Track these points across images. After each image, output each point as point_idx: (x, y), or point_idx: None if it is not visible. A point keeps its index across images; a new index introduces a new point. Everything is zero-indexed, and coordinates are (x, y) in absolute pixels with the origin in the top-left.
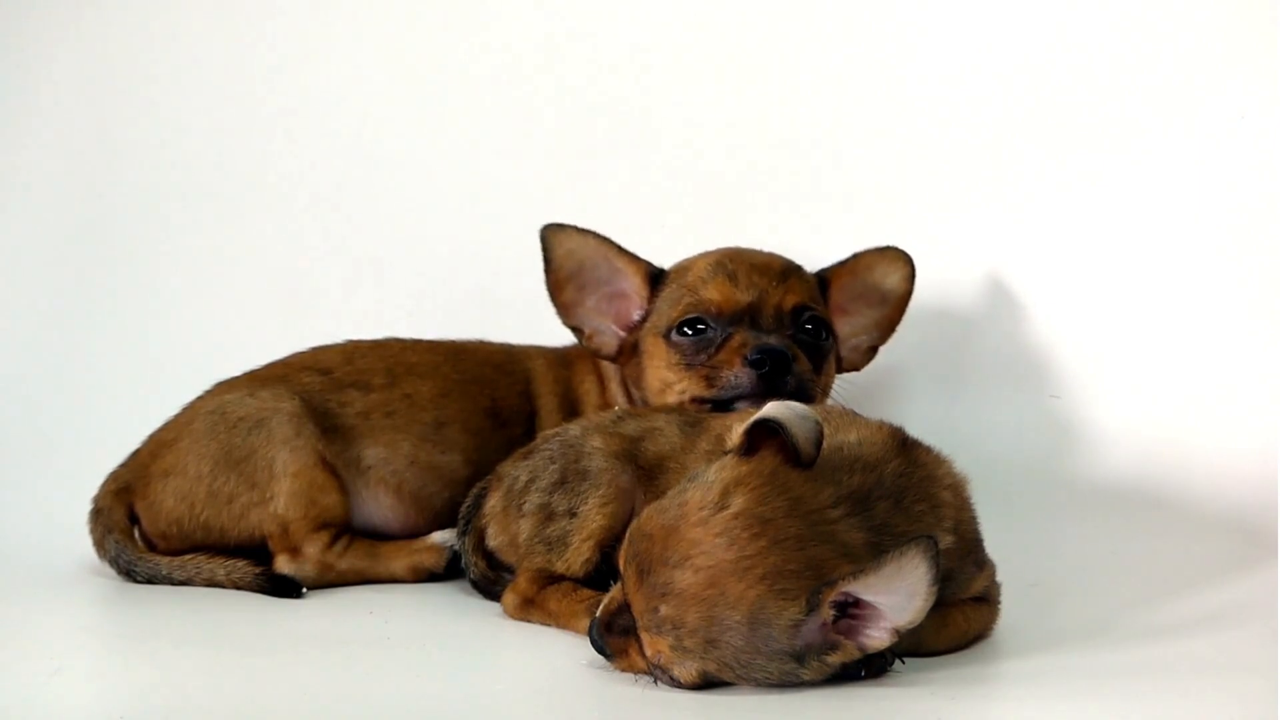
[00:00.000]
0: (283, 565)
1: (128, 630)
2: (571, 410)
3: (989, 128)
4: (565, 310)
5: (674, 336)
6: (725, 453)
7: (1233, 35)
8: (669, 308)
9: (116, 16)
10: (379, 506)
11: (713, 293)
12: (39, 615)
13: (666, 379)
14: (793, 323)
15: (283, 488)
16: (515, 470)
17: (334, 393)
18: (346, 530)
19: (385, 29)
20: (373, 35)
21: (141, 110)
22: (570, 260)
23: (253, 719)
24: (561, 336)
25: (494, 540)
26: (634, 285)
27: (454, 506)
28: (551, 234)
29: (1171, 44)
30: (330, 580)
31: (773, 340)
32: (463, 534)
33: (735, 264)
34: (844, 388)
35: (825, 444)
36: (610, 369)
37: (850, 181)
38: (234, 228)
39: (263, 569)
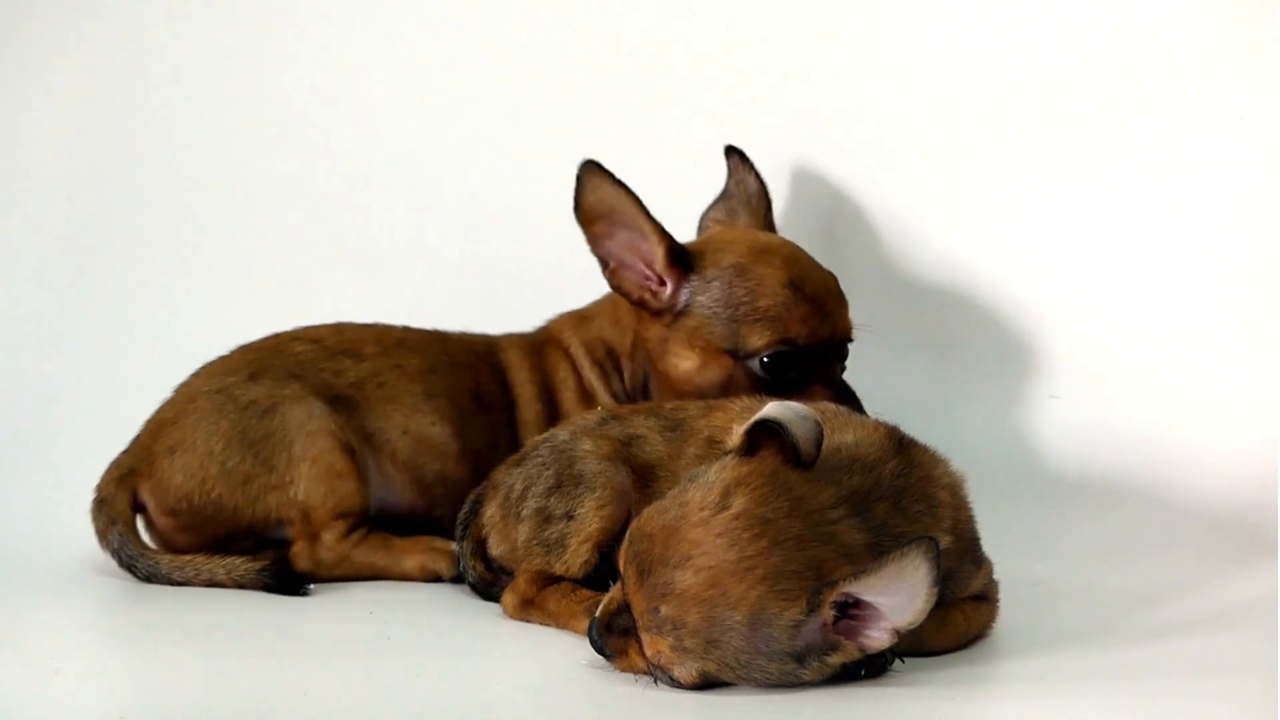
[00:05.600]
0: (300, 551)
1: (128, 630)
2: (550, 398)
3: (988, 127)
4: (594, 240)
5: (753, 365)
6: (725, 453)
7: (1235, 33)
8: (737, 322)
9: (117, 11)
10: (383, 477)
11: (800, 329)
12: (39, 615)
13: (714, 390)
14: (842, 347)
15: (302, 472)
16: (509, 478)
17: (327, 360)
18: (364, 522)
19: (385, 24)
20: (373, 31)
21: (142, 106)
22: (600, 206)
23: (253, 719)
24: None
25: (496, 549)
26: (657, 257)
27: (445, 480)
28: (587, 175)
29: (1174, 41)
30: (345, 571)
31: (859, 405)
32: (461, 538)
33: (812, 287)
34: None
35: (824, 444)
36: (583, 355)
37: (849, 179)
38: (234, 223)
39: (262, 565)
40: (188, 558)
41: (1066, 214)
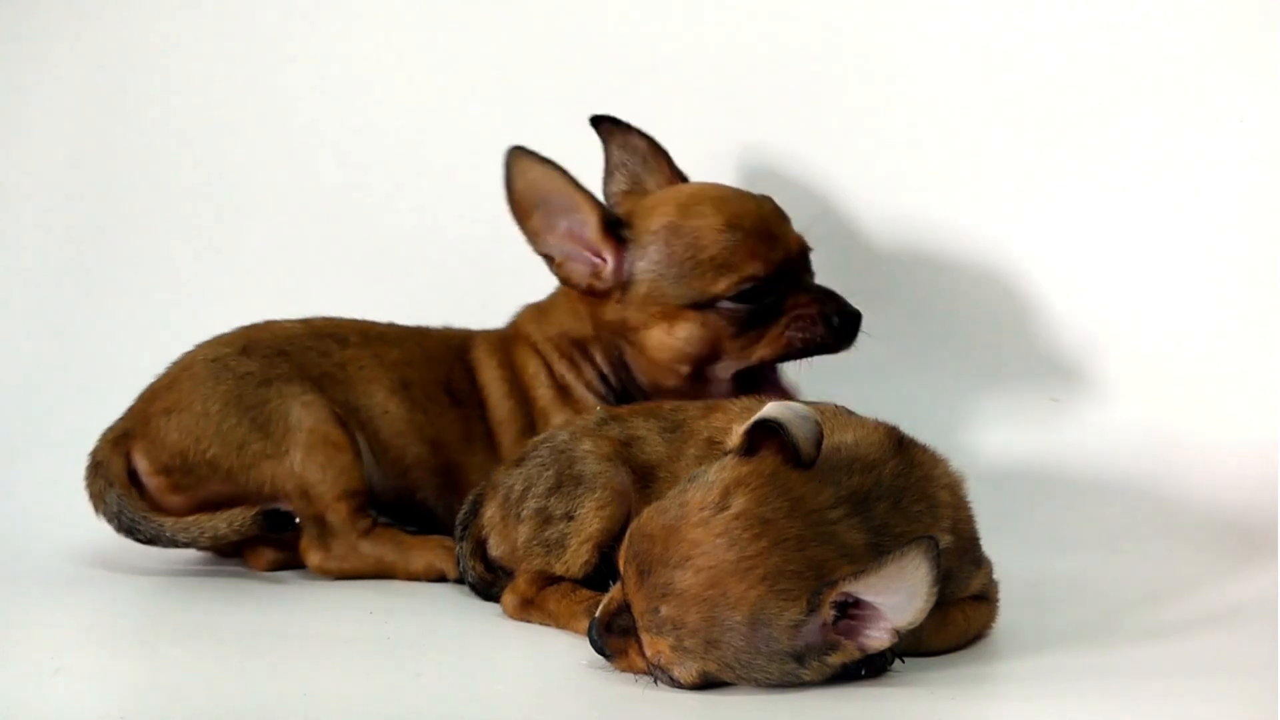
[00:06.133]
0: (309, 544)
1: (128, 630)
2: (522, 395)
3: (991, 128)
4: (534, 237)
5: (724, 306)
6: (725, 453)
7: (1236, 33)
8: (689, 276)
9: (118, 10)
10: (369, 454)
11: (754, 264)
12: (39, 615)
13: (692, 348)
14: (803, 261)
15: (298, 441)
16: (509, 479)
17: (313, 340)
18: (366, 507)
19: (384, 24)
20: (371, 31)
21: (141, 105)
22: (532, 191)
23: (253, 719)
24: None
25: (496, 550)
26: (591, 227)
27: (423, 464)
28: (514, 160)
29: (1177, 39)
30: (354, 565)
31: (843, 300)
32: (460, 539)
33: (749, 220)
34: (844, 387)
35: (824, 444)
36: (551, 350)
37: (849, 179)
38: (234, 218)
39: (258, 510)
40: (190, 518)
41: (1067, 215)
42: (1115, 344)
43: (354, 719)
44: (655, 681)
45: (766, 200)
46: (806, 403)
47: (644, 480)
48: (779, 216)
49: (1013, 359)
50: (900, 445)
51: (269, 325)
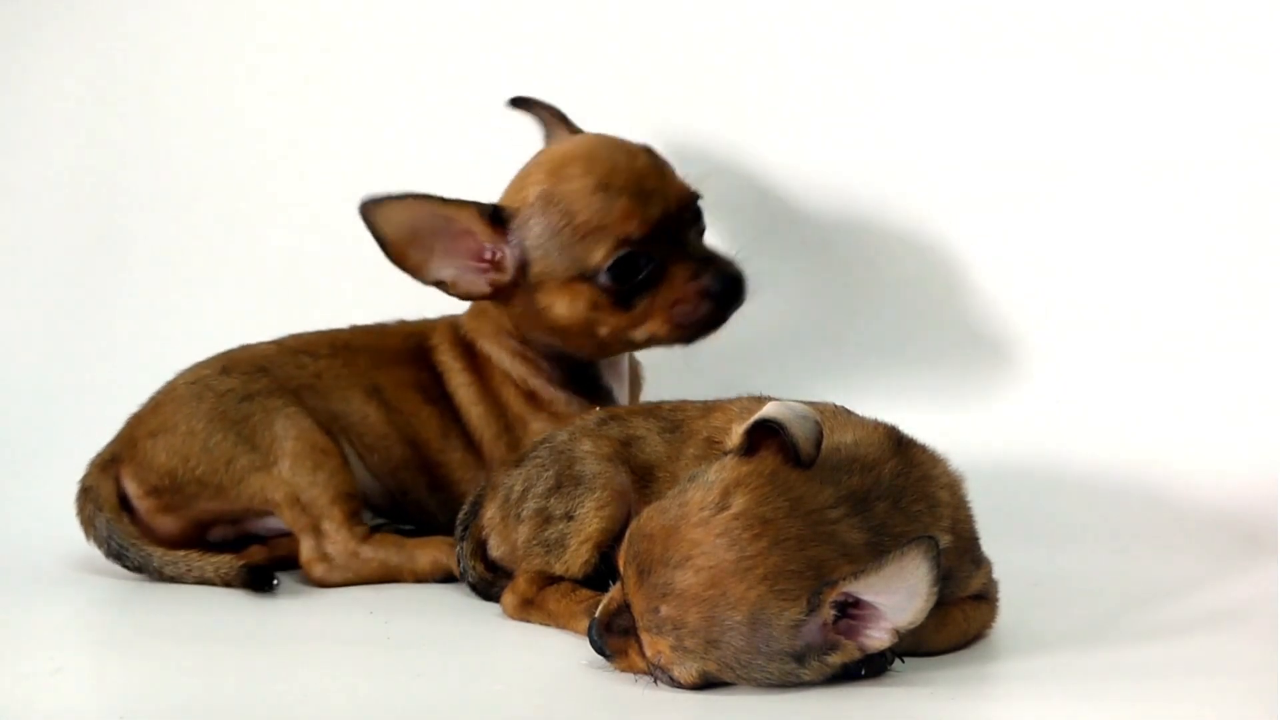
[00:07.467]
0: (310, 557)
1: (128, 630)
2: (492, 399)
3: (989, 129)
4: (417, 272)
5: (603, 281)
6: (725, 453)
7: (1236, 35)
8: (569, 246)
9: (119, 14)
10: (355, 459)
11: (629, 225)
12: (39, 615)
13: (598, 320)
14: (687, 213)
15: (286, 450)
16: (509, 480)
17: (288, 357)
18: (360, 512)
19: (385, 29)
20: (372, 35)
21: (141, 111)
22: (401, 229)
23: (253, 719)
24: None
25: (496, 551)
26: (478, 227)
27: (409, 465)
28: (371, 213)
29: (1172, 40)
30: (357, 571)
31: (724, 264)
32: (460, 539)
33: (622, 178)
34: (848, 386)
35: (823, 444)
36: (503, 355)
37: (844, 177)
38: (234, 225)
39: (245, 563)
40: (181, 553)
41: (1067, 215)
42: (1115, 344)
43: (354, 719)
44: (655, 681)
45: (642, 151)
46: (806, 403)
47: (643, 480)
48: (656, 169)
49: (1011, 358)
50: (900, 445)
51: (245, 348)
